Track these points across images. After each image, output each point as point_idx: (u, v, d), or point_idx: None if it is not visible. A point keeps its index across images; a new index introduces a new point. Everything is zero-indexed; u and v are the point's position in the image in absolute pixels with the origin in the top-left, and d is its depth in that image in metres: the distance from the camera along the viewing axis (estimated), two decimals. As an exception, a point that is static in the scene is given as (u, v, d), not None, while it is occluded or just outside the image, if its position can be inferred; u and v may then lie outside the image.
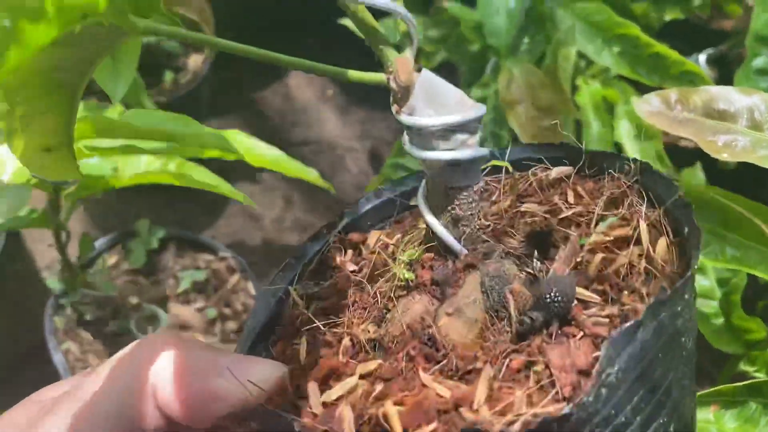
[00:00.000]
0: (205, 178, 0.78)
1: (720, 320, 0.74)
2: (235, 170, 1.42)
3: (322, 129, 1.53)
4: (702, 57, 1.16)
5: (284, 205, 1.40)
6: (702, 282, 0.77)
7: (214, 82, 1.49)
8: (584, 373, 0.24)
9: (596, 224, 0.32)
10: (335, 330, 0.31)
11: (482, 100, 0.90)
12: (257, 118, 1.52)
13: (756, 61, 0.94)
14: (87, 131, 0.58)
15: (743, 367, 0.76)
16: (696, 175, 0.83)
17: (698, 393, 0.65)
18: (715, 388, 0.64)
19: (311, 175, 0.79)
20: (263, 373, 0.27)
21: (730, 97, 0.60)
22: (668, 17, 1.11)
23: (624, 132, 0.99)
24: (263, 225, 1.38)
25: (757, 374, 0.75)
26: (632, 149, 0.98)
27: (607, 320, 0.27)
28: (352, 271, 0.34)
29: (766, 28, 0.93)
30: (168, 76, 1.16)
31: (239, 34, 1.63)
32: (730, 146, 0.58)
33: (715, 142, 0.58)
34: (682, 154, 1.02)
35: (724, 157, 0.58)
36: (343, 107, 1.57)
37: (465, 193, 0.31)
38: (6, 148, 0.56)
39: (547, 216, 0.33)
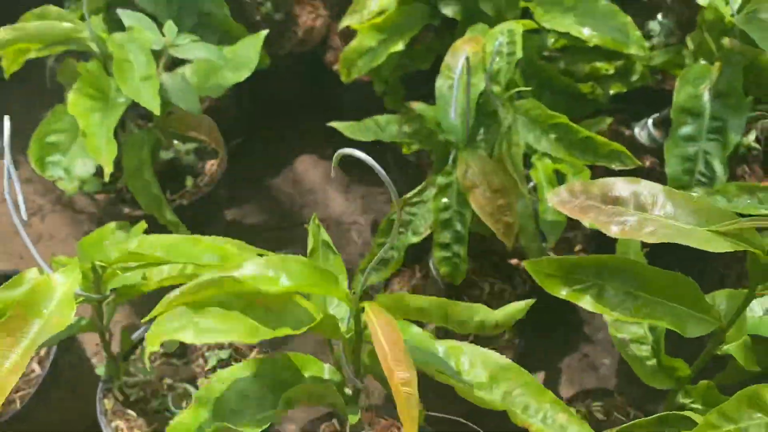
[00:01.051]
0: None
1: (653, 361, 0.87)
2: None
3: (328, 207, 1.70)
4: (650, 120, 1.31)
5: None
6: (636, 330, 0.91)
7: (230, 179, 1.68)
8: None
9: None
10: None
11: (447, 185, 1.06)
12: (271, 203, 1.70)
13: (682, 130, 1.09)
14: (119, 258, 0.76)
15: (681, 399, 0.89)
16: (633, 243, 0.96)
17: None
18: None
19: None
20: None
21: (621, 186, 0.76)
22: (612, 91, 1.28)
23: (576, 199, 1.14)
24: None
25: (693, 405, 0.88)
26: (584, 213, 1.12)
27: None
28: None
29: (687, 101, 1.09)
30: (189, 181, 1.34)
31: (248, 127, 1.83)
32: (622, 226, 0.73)
33: (609, 224, 0.74)
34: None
35: (617, 235, 0.73)
36: (345, 185, 1.75)
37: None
38: (58, 275, 0.73)
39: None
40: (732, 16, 1.07)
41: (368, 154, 0.64)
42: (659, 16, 1.59)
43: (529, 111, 1.02)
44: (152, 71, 0.95)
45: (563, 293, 0.78)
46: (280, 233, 1.65)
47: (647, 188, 0.74)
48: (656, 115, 1.31)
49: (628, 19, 1.10)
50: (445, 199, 1.06)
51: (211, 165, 1.40)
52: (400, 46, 1.25)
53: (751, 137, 1.45)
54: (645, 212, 0.72)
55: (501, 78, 1.04)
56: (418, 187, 1.12)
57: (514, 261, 1.32)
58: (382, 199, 1.73)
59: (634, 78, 1.25)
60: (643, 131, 1.31)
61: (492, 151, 1.06)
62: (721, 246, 0.69)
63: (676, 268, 0.77)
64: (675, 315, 0.76)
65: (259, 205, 1.70)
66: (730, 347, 0.79)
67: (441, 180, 1.06)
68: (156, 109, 0.91)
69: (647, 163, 1.45)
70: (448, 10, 1.27)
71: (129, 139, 1.11)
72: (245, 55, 1.13)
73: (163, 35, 1.07)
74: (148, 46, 0.99)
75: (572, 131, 0.98)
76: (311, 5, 1.74)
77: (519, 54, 1.03)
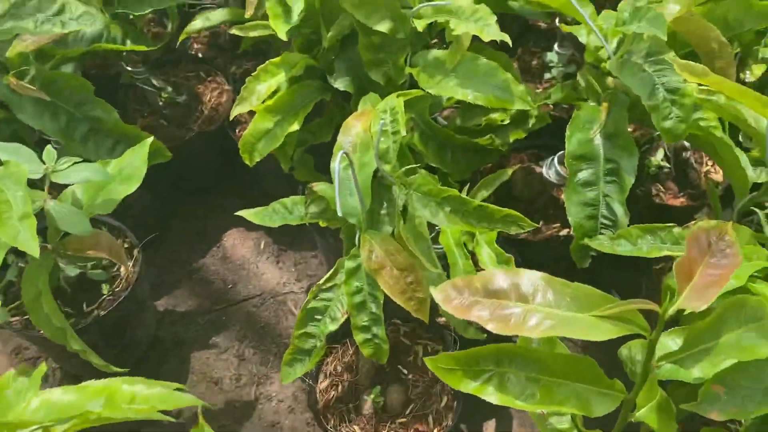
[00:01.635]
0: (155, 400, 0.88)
1: None
2: (186, 342, 1.57)
3: (261, 280, 1.68)
4: (555, 159, 1.31)
5: (238, 363, 1.54)
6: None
7: (151, 274, 1.65)
8: None
9: None
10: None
11: (356, 269, 1.05)
12: (201, 285, 1.67)
13: (579, 176, 1.09)
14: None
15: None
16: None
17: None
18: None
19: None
20: None
21: (502, 278, 0.75)
22: (512, 139, 1.28)
23: (486, 258, 1.14)
24: (223, 386, 1.51)
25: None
26: (497, 273, 1.12)
27: None
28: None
29: (578, 148, 1.09)
30: (104, 288, 1.31)
31: (167, 212, 1.80)
32: (505, 322, 0.72)
33: (492, 320, 0.73)
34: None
35: (499, 331, 0.72)
36: (276, 255, 1.73)
37: None
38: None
39: None
40: (608, 58, 1.08)
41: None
42: (556, 46, 1.61)
43: (421, 187, 1.01)
44: (29, 208, 0.92)
45: (470, 387, 0.77)
46: (214, 316, 1.62)
47: (527, 278, 0.73)
48: (561, 152, 1.31)
49: (509, 75, 1.10)
50: (356, 283, 1.05)
51: (124, 268, 1.36)
52: (296, 126, 1.24)
53: (659, 156, 1.47)
54: (527, 303, 0.72)
55: (390, 157, 1.04)
56: (330, 272, 1.10)
57: (442, 320, 1.32)
58: (316, 263, 1.71)
59: (532, 123, 1.25)
60: (550, 170, 1.32)
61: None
62: (605, 332, 0.69)
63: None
64: (579, 396, 0.75)
65: (190, 289, 1.67)
66: (642, 413, 0.79)
67: (349, 264, 1.05)
68: (35, 252, 0.88)
69: (561, 196, 1.46)
70: (340, 84, 1.27)
71: (25, 271, 1.08)
72: (133, 166, 1.11)
73: (43, 162, 1.04)
74: (24, 180, 0.96)
75: (465, 203, 0.98)
76: (215, 82, 1.72)
77: (403, 132, 1.02)
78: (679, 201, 1.44)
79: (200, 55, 1.80)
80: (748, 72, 1.24)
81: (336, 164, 0.92)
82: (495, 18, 1.07)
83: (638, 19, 0.97)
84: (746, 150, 1.22)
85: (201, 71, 1.74)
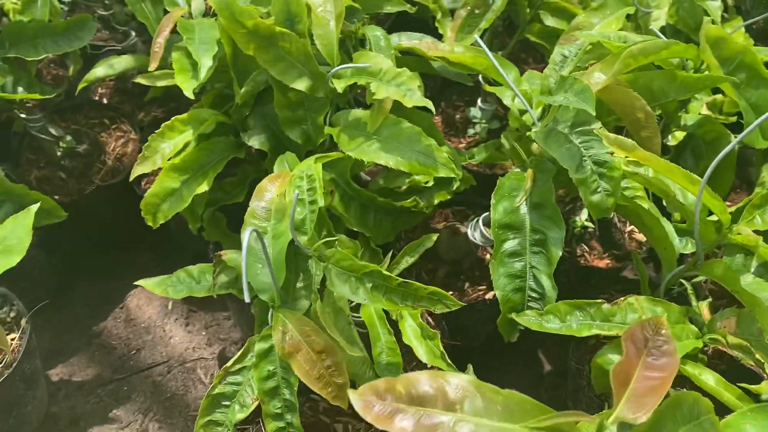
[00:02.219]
0: None
1: None
2: (83, 417, 1.42)
3: (168, 345, 1.55)
4: (480, 221, 1.26)
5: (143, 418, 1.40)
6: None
7: (45, 342, 1.50)
8: None
9: None
10: None
11: (268, 350, 0.95)
12: (102, 352, 1.53)
13: (505, 246, 1.04)
14: None
15: None
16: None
17: None
18: None
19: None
20: None
21: (426, 381, 0.68)
22: (437, 201, 1.22)
23: (410, 333, 1.07)
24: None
25: None
26: (420, 349, 1.05)
27: None
28: None
29: (504, 217, 1.04)
30: (-15, 365, 1.16)
31: (65, 272, 1.65)
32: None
33: (420, 430, 0.65)
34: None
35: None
36: (185, 317, 1.60)
37: None
38: None
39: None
40: (533, 124, 1.05)
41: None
42: (479, 102, 1.58)
43: (341, 261, 0.93)
44: None
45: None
46: (116, 386, 1.48)
47: (455, 382, 0.66)
48: (485, 214, 1.27)
49: (432, 141, 1.05)
50: (268, 367, 0.95)
51: (11, 339, 1.22)
52: (204, 187, 1.14)
53: (584, 216, 1.45)
54: (455, 411, 0.65)
55: (307, 227, 0.96)
56: (238, 353, 1.00)
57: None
58: (228, 325, 1.60)
59: (456, 185, 1.20)
60: (475, 232, 1.27)
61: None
62: (539, 444, 0.62)
63: None
64: None
65: (90, 356, 1.52)
66: None
67: (260, 345, 0.96)
68: None
69: (487, 257, 1.41)
70: (255, 142, 1.19)
71: None
72: (15, 236, 0.98)
73: None
74: None
75: (387, 279, 0.91)
76: (120, 130, 1.60)
77: (321, 203, 0.95)
78: (604, 262, 1.42)
79: (105, 100, 1.68)
80: (670, 136, 1.24)
81: (245, 241, 0.84)
82: (418, 83, 1.02)
83: (564, 89, 0.94)
84: (668, 216, 1.21)
85: (105, 118, 1.62)
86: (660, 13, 1.36)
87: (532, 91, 1.11)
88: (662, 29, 1.41)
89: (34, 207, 1.01)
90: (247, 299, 0.82)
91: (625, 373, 0.64)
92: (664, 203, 1.18)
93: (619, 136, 0.89)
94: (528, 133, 1.04)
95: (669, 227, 1.04)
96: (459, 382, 0.66)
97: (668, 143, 1.26)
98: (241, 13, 1.04)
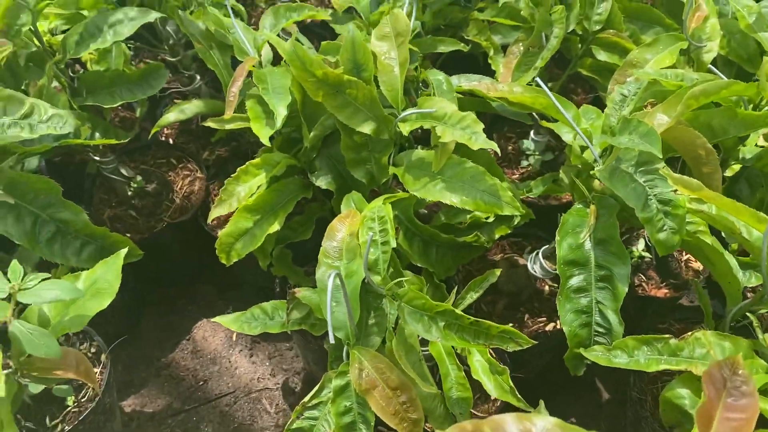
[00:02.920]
0: None
1: None
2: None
3: (234, 376, 1.60)
4: (540, 254, 1.29)
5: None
6: None
7: (117, 374, 1.56)
8: None
9: None
10: None
11: (344, 387, 0.99)
12: (171, 383, 1.59)
13: (571, 282, 1.06)
14: None
15: None
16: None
17: None
18: None
19: None
20: None
21: (511, 423, 0.71)
22: (498, 235, 1.25)
23: (479, 368, 1.10)
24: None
25: None
26: (489, 384, 1.08)
27: None
28: None
29: (570, 253, 1.07)
30: (70, 401, 1.22)
31: (136, 306, 1.72)
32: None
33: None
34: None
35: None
36: (249, 347, 1.65)
37: None
38: None
39: None
40: (595, 161, 1.07)
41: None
42: (532, 134, 1.61)
43: (413, 300, 0.97)
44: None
45: None
46: (185, 417, 1.53)
47: (540, 424, 0.69)
48: (546, 246, 1.30)
49: (497, 180, 1.09)
50: (345, 402, 0.99)
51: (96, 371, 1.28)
52: (276, 226, 1.20)
53: (641, 246, 1.47)
54: (542, 454, 0.68)
55: (380, 268, 1.00)
56: (316, 388, 1.04)
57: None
58: (291, 356, 1.65)
59: (516, 221, 1.23)
60: (535, 264, 1.30)
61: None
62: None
63: None
64: None
65: (159, 388, 1.58)
66: None
67: (337, 382, 1.00)
68: (2, 393, 0.81)
69: (546, 288, 1.44)
70: (322, 182, 1.24)
71: (-15, 397, 1.00)
72: (105, 280, 1.05)
73: (8, 279, 0.97)
74: (-12, 303, 0.89)
75: (459, 318, 0.94)
76: (187, 169, 1.68)
77: (393, 243, 0.99)
78: (662, 292, 1.43)
79: (171, 140, 1.76)
80: (728, 170, 1.25)
81: (329, 284, 0.88)
82: (482, 126, 1.06)
83: (629, 131, 0.97)
84: (726, 245, 1.22)
85: (172, 158, 1.69)
86: (712, 45, 1.37)
87: (591, 128, 1.14)
88: (714, 61, 1.43)
89: (123, 252, 1.08)
90: (332, 340, 0.87)
91: (707, 416, 0.66)
92: (723, 234, 1.20)
93: (684, 176, 0.92)
94: (591, 172, 1.06)
95: (732, 261, 1.06)
96: (545, 425, 0.69)
97: (724, 174, 1.28)
98: (311, 63, 1.10)
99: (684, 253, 1.50)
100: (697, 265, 1.48)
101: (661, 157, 0.92)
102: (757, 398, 0.68)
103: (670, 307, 1.46)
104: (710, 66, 1.20)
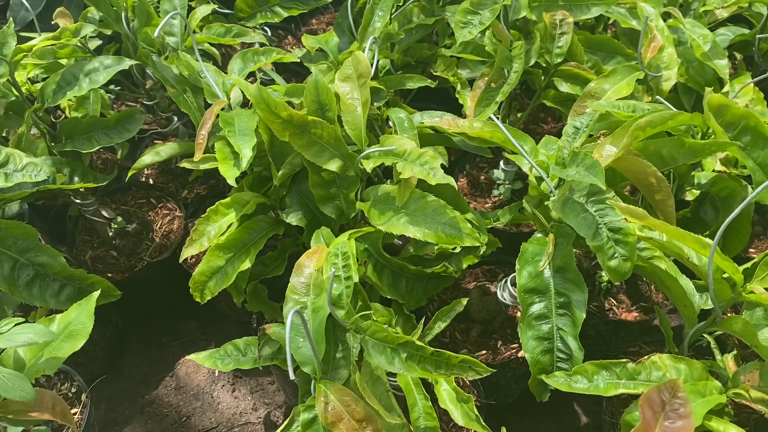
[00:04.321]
0: None
1: None
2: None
3: (216, 411, 1.62)
4: (508, 281, 1.32)
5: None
6: None
7: (100, 413, 1.58)
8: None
9: None
10: None
11: (312, 420, 1.01)
12: (154, 420, 1.60)
13: (532, 309, 1.10)
14: None
15: None
16: None
17: None
18: None
19: None
20: None
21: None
22: (465, 265, 1.28)
23: (446, 396, 1.13)
24: None
25: None
26: (456, 412, 1.10)
27: None
28: None
29: (529, 281, 1.10)
30: (48, 440, 1.24)
31: (118, 343, 1.73)
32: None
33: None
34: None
35: None
36: (231, 383, 1.67)
37: None
38: None
39: None
40: (551, 192, 1.11)
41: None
42: (502, 164, 1.65)
43: (376, 333, 1.00)
44: (-35, 385, 0.88)
45: None
46: (169, 453, 1.55)
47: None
48: (513, 275, 1.33)
49: (456, 213, 1.12)
50: (312, 436, 1.02)
51: (73, 414, 1.30)
52: (247, 264, 1.23)
53: (610, 270, 1.49)
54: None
55: (343, 302, 1.03)
56: (285, 422, 1.07)
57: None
58: (272, 389, 1.67)
59: (483, 250, 1.27)
60: (504, 292, 1.33)
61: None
62: None
63: None
64: None
65: (143, 425, 1.59)
66: None
67: (305, 416, 1.02)
68: (-30, 435, 0.84)
69: (518, 315, 1.46)
70: (292, 219, 1.27)
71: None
72: (79, 321, 1.08)
73: (-17, 324, 1.00)
74: (-38, 349, 0.92)
75: (420, 349, 0.97)
76: (166, 208, 1.71)
77: (356, 278, 1.02)
78: (633, 315, 1.46)
79: (151, 181, 1.80)
80: (687, 193, 1.29)
81: (288, 321, 0.91)
82: (440, 161, 1.10)
83: (576, 164, 1.01)
84: (690, 272, 1.25)
85: (152, 197, 1.73)
86: (670, 74, 1.42)
87: (548, 159, 1.18)
88: (674, 88, 1.48)
89: (95, 294, 1.11)
90: (291, 376, 0.89)
91: (643, 438, 0.69)
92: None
93: (631, 206, 0.95)
94: (546, 202, 1.10)
95: (689, 285, 1.09)
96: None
97: (686, 198, 1.31)
98: (276, 105, 1.14)
99: (653, 276, 1.53)
100: (667, 288, 1.51)
101: (604, 188, 0.95)
102: (693, 420, 0.71)
103: (641, 330, 1.48)
104: (658, 97, 1.24)
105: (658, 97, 1.28)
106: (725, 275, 1.00)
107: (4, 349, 1.08)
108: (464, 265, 1.29)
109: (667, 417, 0.71)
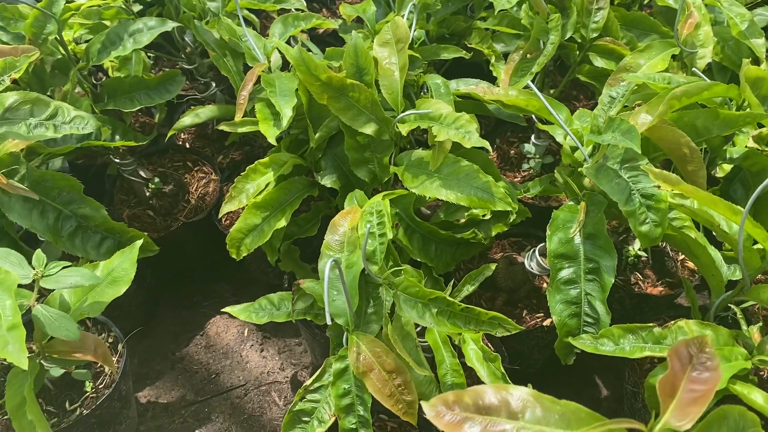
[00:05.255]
0: None
1: None
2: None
3: (245, 370, 1.67)
4: (536, 251, 1.34)
5: (222, 458, 1.51)
6: None
7: (134, 366, 1.64)
8: None
9: None
10: None
11: (343, 370, 1.05)
12: (185, 376, 1.65)
13: (561, 274, 1.12)
14: None
15: None
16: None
17: None
18: None
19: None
20: None
21: (491, 393, 0.76)
22: (495, 232, 1.31)
23: (473, 355, 1.15)
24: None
25: None
26: (482, 370, 1.13)
27: None
28: None
29: (559, 247, 1.12)
30: (88, 386, 1.29)
31: (152, 300, 1.79)
32: (496, 438, 0.73)
33: (484, 436, 0.74)
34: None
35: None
36: (260, 342, 1.72)
37: None
38: None
39: None
40: (585, 160, 1.13)
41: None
42: (533, 138, 1.67)
43: (408, 288, 1.03)
44: (18, 319, 0.92)
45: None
46: (198, 408, 1.60)
47: (516, 394, 0.74)
48: (542, 245, 1.35)
49: (490, 178, 1.15)
50: (344, 385, 1.05)
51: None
52: (283, 222, 1.26)
53: (637, 245, 1.51)
54: (517, 420, 0.73)
55: (377, 258, 1.06)
56: (318, 372, 1.10)
57: (430, 415, 1.31)
58: (300, 351, 1.71)
59: (512, 218, 1.29)
60: (532, 261, 1.35)
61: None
62: (594, 450, 0.69)
63: None
64: None
65: (174, 380, 1.65)
66: None
67: (337, 366, 1.06)
68: (24, 365, 0.87)
69: (544, 285, 1.49)
70: (327, 181, 1.30)
71: (9, 376, 1.07)
72: (122, 268, 1.12)
73: (32, 266, 1.04)
74: (14, 288, 0.96)
75: (451, 305, 1.00)
76: (202, 171, 1.75)
77: (389, 235, 1.05)
78: (658, 290, 1.48)
79: (187, 145, 1.84)
80: (717, 168, 1.30)
81: (326, 271, 0.94)
82: (476, 125, 1.12)
83: (612, 129, 1.02)
84: (719, 244, 1.26)
85: (188, 161, 1.77)
86: (705, 52, 1.42)
87: (582, 130, 1.19)
88: (708, 66, 1.48)
89: (138, 243, 1.15)
90: (328, 321, 0.93)
91: (671, 385, 0.71)
92: (713, 232, 1.24)
93: (664, 171, 0.97)
94: (580, 169, 1.12)
95: (716, 255, 1.10)
96: (521, 394, 0.74)
97: (716, 175, 1.32)
98: (316, 68, 1.17)
99: (679, 253, 1.54)
100: (693, 265, 1.52)
101: (639, 151, 0.97)
102: (720, 373, 0.73)
103: (666, 304, 1.50)
104: (694, 69, 1.25)
105: (694, 69, 1.29)
106: (756, 246, 1.01)
107: (50, 293, 1.13)
108: (493, 233, 1.31)
109: (694, 369, 0.73)
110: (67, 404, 1.28)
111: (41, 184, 1.26)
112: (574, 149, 1.19)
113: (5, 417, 1.22)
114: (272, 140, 1.18)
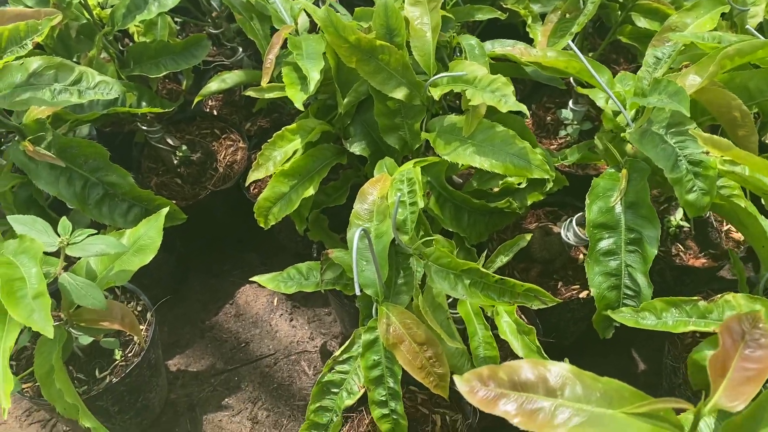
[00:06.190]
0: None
1: None
2: (199, 404, 1.54)
3: (274, 339, 1.66)
4: (573, 221, 1.29)
5: (251, 426, 1.50)
6: None
7: (163, 334, 1.64)
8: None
9: None
10: None
11: (373, 342, 1.02)
12: (214, 344, 1.65)
13: (600, 245, 1.07)
14: None
15: None
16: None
17: None
18: None
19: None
20: None
21: (527, 369, 0.73)
22: (530, 201, 1.26)
23: (507, 328, 1.12)
24: (237, 451, 1.48)
25: None
26: (516, 343, 1.09)
27: None
28: None
29: (599, 216, 1.07)
30: (117, 354, 1.29)
31: (181, 269, 1.78)
32: (533, 417, 0.70)
33: (520, 414, 0.70)
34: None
35: (526, 427, 0.70)
36: (289, 312, 1.70)
37: None
38: None
39: None
40: (627, 125, 1.07)
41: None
42: (570, 103, 1.60)
43: (440, 259, 0.99)
44: (43, 287, 0.91)
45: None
46: (227, 376, 1.59)
47: (555, 370, 0.71)
48: (579, 214, 1.30)
49: (526, 144, 1.09)
50: (374, 356, 1.02)
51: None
52: (311, 191, 1.23)
53: (679, 215, 1.45)
54: (555, 397, 0.69)
55: (407, 227, 1.02)
56: (346, 343, 1.08)
57: (461, 388, 1.28)
58: (329, 320, 1.69)
59: (549, 186, 1.24)
60: (568, 232, 1.30)
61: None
62: (637, 430, 0.66)
63: None
64: None
65: (203, 348, 1.64)
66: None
67: (366, 337, 1.03)
68: (49, 334, 0.86)
69: (581, 256, 1.44)
70: (356, 148, 1.26)
71: (38, 344, 1.07)
72: (148, 236, 1.10)
73: (58, 234, 1.03)
74: (40, 256, 0.95)
75: (484, 276, 0.96)
76: (230, 139, 1.73)
77: (421, 204, 1.01)
78: (701, 262, 1.42)
79: (215, 112, 1.81)
80: (768, 135, 1.23)
81: (355, 240, 0.91)
82: (512, 89, 1.07)
83: (658, 91, 0.96)
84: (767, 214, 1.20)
85: (216, 128, 1.74)
86: (758, 10, 1.34)
87: (625, 93, 1.13)
88: (760, 26, 1.39)
89: (164, 210, 1.13)
90: (357, 291, 0.90)
91: (722, 364, 0.67)
92: (763, 201, 1.18)
93: (714, 136, 0.91)
94: (622, 134, 1.06)
95: (767, 224, 1.04)
96: (559, 370, 0.71)
97: (767, 141, 1.25)
98: (344, 28, 1.12)
99: (724, 224, 1.48)
100: (738, 236, 1.46)
101: (688, 115, 0.91)
102: (775, 351, 0.68)
103: (708, 277, 1.44)
104: (748, 27, 1.17)
105: (747, 26, 1.21)
106: (811, 214, 0.95)
107: (77, 261, 1.12)
108: (529, 202, 1.26)
109: (747, 346, 0.69)
110: (96, 372, 1.28)
111: (68, 151, 1.24)
112: (616, 113, 1.13)
113: (35, 384, 1.22)
114: (299, 105, 1.14)
